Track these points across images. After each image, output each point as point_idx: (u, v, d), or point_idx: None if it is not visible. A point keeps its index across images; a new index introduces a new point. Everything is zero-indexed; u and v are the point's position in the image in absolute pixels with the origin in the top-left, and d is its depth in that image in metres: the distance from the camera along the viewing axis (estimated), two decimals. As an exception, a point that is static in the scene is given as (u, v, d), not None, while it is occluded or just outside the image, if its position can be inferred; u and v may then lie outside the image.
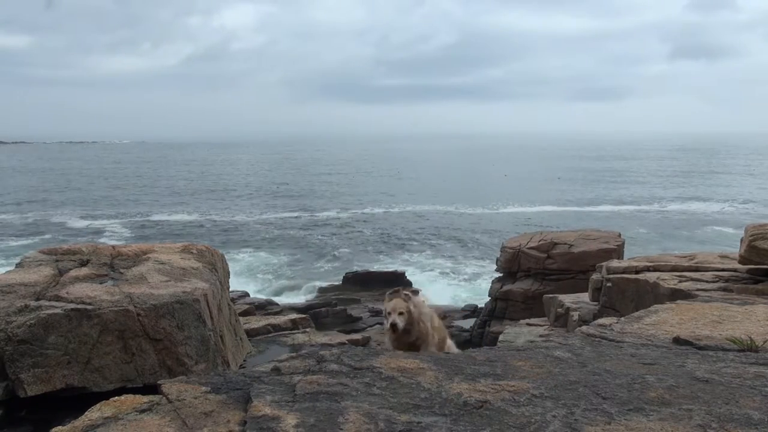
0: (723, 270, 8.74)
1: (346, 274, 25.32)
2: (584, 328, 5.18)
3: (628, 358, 3.61)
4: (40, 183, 72.50)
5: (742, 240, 8.20)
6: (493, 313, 16.97)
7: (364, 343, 10.59)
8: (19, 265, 7.36)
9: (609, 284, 9.33)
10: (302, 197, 60.90)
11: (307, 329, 10.59)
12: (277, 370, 3.28)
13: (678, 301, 6.04)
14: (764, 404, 2.79)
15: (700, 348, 4.10)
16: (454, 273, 28.86)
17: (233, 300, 10.59)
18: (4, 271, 7.45)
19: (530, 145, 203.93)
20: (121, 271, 7.21)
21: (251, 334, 9.63)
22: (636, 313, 5.50)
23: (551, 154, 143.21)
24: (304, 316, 11.71)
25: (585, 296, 11.04)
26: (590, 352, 3.76)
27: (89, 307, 5.95)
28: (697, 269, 9.02)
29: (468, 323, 18.18)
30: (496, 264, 18.44)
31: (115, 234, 39.50)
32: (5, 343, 5.60)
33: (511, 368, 3.32)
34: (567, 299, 11.35)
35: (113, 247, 8.29)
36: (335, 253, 34.36)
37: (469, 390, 2.95)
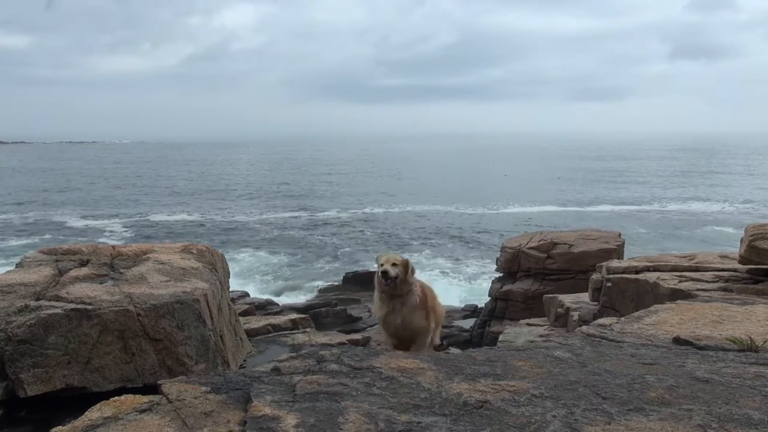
0: (723, 270, 8.74)
1: (346, 274, 25.32)
2: (584, 328, 5.18)
3: (628, 358, 3.61)
4: (40, 183, 72.50)
5: (742, 240, 8.20)
6: (493, 313, 16.96)
7: (364, 343, 10.58)
8: (19, 265, 7.36)
9: (609, 284, 9.34)
10: (302, 197, 60.89)
11: (307, 329, 10.58)
12: (277, 370, 3.28)
13: (678, 301, 6.04)
14: (764, 404, 2.79)
15: (700, 348, 4.10)
16: (454, 273, 28.85)
17: (233, 300, 10.59)
18: (4, 271, 7.45)
19: (530, 145, 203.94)
20: (121, 271, 7.20)
21: (251, 334, 9.62)
22: (636, 313, 5.50)
23: (551, 154, 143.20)
24: (304, 316, 11.70)
25: (585, 296, 11.05)
26: (590, 352, 3.76)
27: (89, 307, 5.95)
28: (697, 269, 9.02)
29: (468, 323, 18.17)
30: (496, 264, 18.43)
31: (115, 234, 39.49)
32: (5, 343, 5.60)
33: (511, 368, 3.32)
34: (567, 299, 11.35)
35: (113, 247, 8.28)
36: (335, 253, 34.36)
37: (469, 390, 2.95)
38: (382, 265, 5.30)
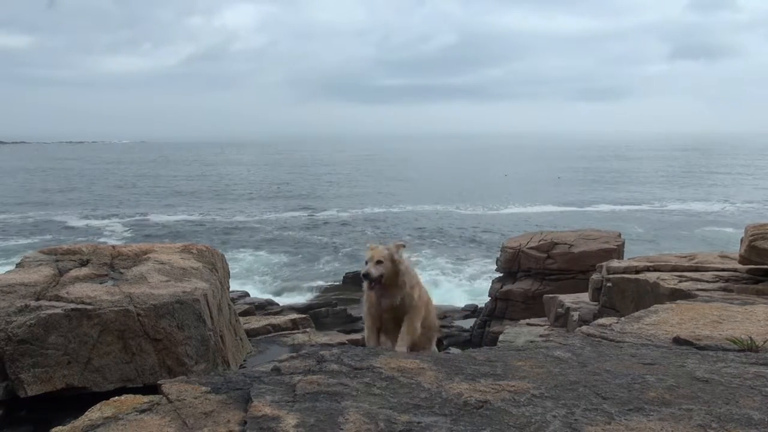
0: (723, 270, 8.74)
1: (346, 274, 25.31)
2: (584, 328, 5.18)
3: (628, 358, 3.61)
4: (41, 183, 72.50)
5: (742, 240, 8.21)
6: (493, 313, 16.97)
7: (364, 343, 10.58)
8: (19, 265, 7.36)
9: (609, 284, 9.34)
10: (302, 197, 60.88)
11: (308, 329, 10.59)
12: (277, 370, 3.28)
13: (678, 301, 6.04)
14: (764, 404, 2.79)
15: (700, 348, 4.10)
16: (454, 273, 28.84)
17: (233, 300, 10.59)
18: (4, 271, 7.45)
19: (530, 145, 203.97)
20: (121, 271, 7.21)
21: (251, 334, 9.62)
22: (636, 313, 5.50)
23: (551, 154, 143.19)
24: (304, 316, 11.71)
25: (585, 296, 11.05)
26: (590, 352, 3.76)
27: (89, 307, 5.95)
28: (697, 269, 9.02)
29: (468, 323, 18.18)
30: (496, 264, 18.44)
31: (115, 234, 39.49)
32: (5, 343, 5.60)
33: (512, 368, 3.32)
34: (567, 299, 11.36)
35: (113, 247, 8.29)
36: (335, 253, 34.34)
37: (470, 390, 2.95)
38: (366, 263, 4.73)
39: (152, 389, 3.12)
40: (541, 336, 9.88)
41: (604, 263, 10.45)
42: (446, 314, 18.98)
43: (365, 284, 4.75)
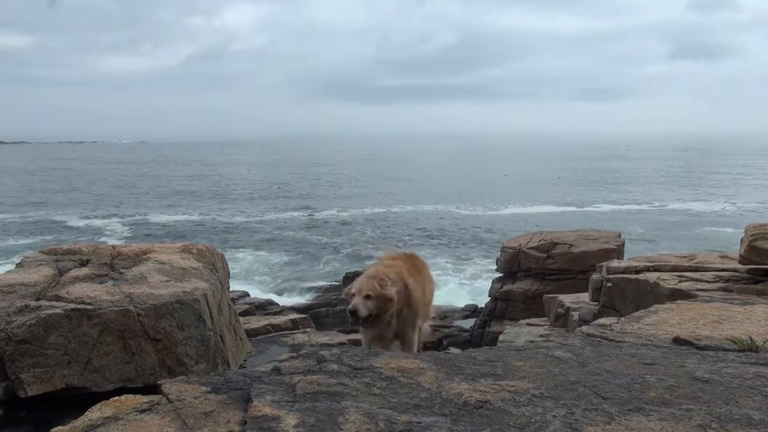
0: (723, 270, 8.74)
1: (347, 274, 25.30)
2: (584, 328, 5.18)
3: (628, 358, 3.61)
4: (41, 183, 72.50)
5: (742, 240, 8.21)
6: (493, 313, 16.97)
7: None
8: (19, 265, 7.36)
9: (609, 284, 9.34)
10: (302, 197, 60.87)
11: (308, 329, 10.59)
12: (277, 370, 3.28)
13: (678, 301, 6.04)
14: (764, 404, 2.79)
15: (700, 348, 4.10)
16: (454, 273, 28.84)
17: (233, 300, 10.58)
18: (4, 271, 7.45)
19: (530, 145, 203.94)
20: (121, 271, 7.21)
21: (251, 334, 9.62)
22: (636, 313, 5.50)
23: (551, 154, 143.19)
24: (304, 316, 11.71)
25: (585, 296, 11.05)
26: (590, 352, 3.76)
27: (89, 307, 5.95)
28: (697, 269, 9.02)
29: (468, 323, 18.17)
30: (496, 264, 18.43)
31: (115, 234, 39.49)
32: (5, 343, 5.61)
33: (512, 368, 3.32)
34: (567, 299, 11.35)
35: (113, 246, 8.29)
36: (335, 253, 34.34)
37: (470, 390, 2.95)
38: (353, 294, 4.35)
39: (152, 389, 3.12)
40: (541, 336, 9.88)
41: (604, 263, 10.45)
42: (446, 314, 18.98)
43: (351, 320, 4.45)
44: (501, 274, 17.81)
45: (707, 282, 8.24)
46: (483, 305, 18.45)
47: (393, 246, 34.87)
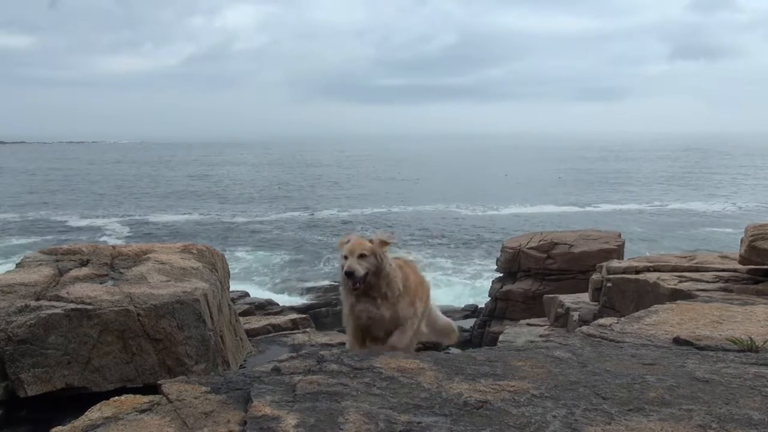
0: (723, 270, 8.74)
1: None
2: (584, 328, 5.18)
3: (628, 359, 3.61)
4: (41, 183, 72.52)
5: (742, 240, 8.21)
6: (493, 313, 16.97)
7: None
8: (19, 265, 7.36)
9: (609, 284, 9.34)
10: (302, 197, 60.89)
11: (308, 329, 10.58)
12: (277, 370, 3.28)
13: (678, 302, 6.04)
14: (764, 404, 2.79)
15: (700, 348, 4.10)
16: (454, 273, 28.85)
17: (233, 300, 10.58)
18: (4, 271, 7.45)
19: (530, 145, 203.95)
20: (121, 271, 7.20)
21: (251, 334, 9.62)
22: (636, 314, 5.50)
23: (551, 154, 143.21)
24: (304, 316, 11.71)
25: (585, 296, 11.06)
26: (590, 353, 3.76)
27: (89, 307, 5.95)
28: (697, 269, 9.03)
29: (468, 323, 18.17)
30: (496, 264, 18.44)
31: (115, 233, 39.51)
32: (5, 343, 5.60)
33: (512, 368, 3.32)
34: (567, 299, 11.36)
35: (113, 246, 8.29)
36: (336, 253, 34.31)
37: (470, 390, 2.95)
38: (345, 257, 4.08)
39: (152, 389, 3.12)
40: (541, 336, 9.88)
41: (604, 263, 10.45)
42: (446, 314, 18.99)
43: (349, 284, 4.03)
44: (501, 274, 17.82)
45: (707, 282, 8.24)
46: (483, 305, 18.46)
47: (393, 247, 34.84)
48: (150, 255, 7.76)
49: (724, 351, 3.96)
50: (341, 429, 2.51)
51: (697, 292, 7.52)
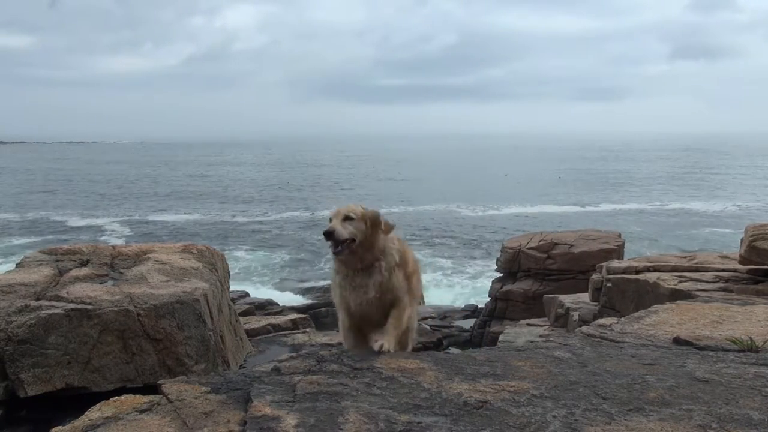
0: (723, 270, 8.74)
1: (347, 273, 25.25)
2: (584, 328, 5.18)
3: (628, 359, 3.61)
4: (41, 182, 72.53)
5: (742, 240, 8.21)
6: (493, 313, 16.96)
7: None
8: (19, 265, 7.37)
9: (609, 284, 9.34)
10: (302, 197, 60.90)
11: (308, 329, 10.60)
12: (277, 370, 3.28)
13: (678, 302, 6.04)
14: (764, 405, 2.79)
15: (701, 348, 4.10)
16: (454, 273, 28.85)
17: (233, 300, 10.59)
18: (4, 271, 7.45)
19: (530, 145, 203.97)
20: (121, 271, 7.21)
21: (251, 334, 9.63)
22: (636, 314, 5.50)
23: (551, 154, 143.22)
24: (304, 316, 11.72)
25: (585, 296, 11.06)
26: (590, 353, 3.76)
27: (89, 307, 5.95)
28: (697, 269, 9.03)
29: (468, 323, 18.16)
30: (496, 264, 18.42)
31: (115, 233, 39.51)
32: (5, 343, 5.61)
33: (512, 368, 3.32)
34: (567, 299, 11.36)
35: (113, 247, 8.30)
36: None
37: (470, 390, 2.95)
38: (330, 220, 3.62)
39: (152, 389, 3.12)
40: (541, 336, 9.88)
41: (604, 263, 10.46)
42: (446, 314, 18.97)
43: (330, 247, 3.54)
44: (501, 274, 17.80)
45: (707, 282, 8.24)
46: (483, 305, 18.44)
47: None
48: (150, 255, 7.77)
49: (724, 351, 3.96)
50: (341, 429, 2.51)
51: (697, 292, 7.52)
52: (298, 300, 22.30)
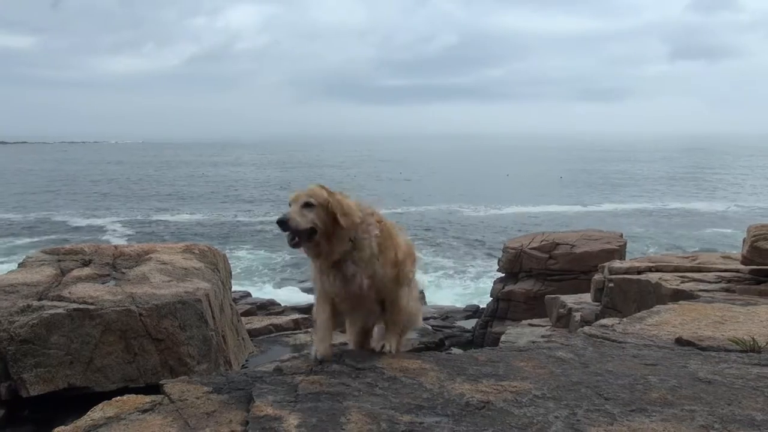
0: (725, 270, 8.73)
1: (348, 273, 25.24)
2: (586, 328, 5.17)
3: (631, 359, 3.61)
4: (43, 183, 72.63)
5: (744, 240, 8.20)
6: (495, 313, 16.95)
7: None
8: (21, 265, 7.38)
9: (611, 285, 9.33)
10: (304, 197, 60.83)
11: (309, 329, 10.58)
12: (279, 370, 3.29)
13: (680, 302, 6.03)
14: (767, 405, 2.79)
15: (703, 349, 4.09)
16: (456, 273, 28.84)
17: (235, 300, 10.60)
18: (6, 271, 7.47)
19: (531, 146, 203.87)
20: (123, 271, 7.22)
21: (253, 334, 9.63)
22: (638, 314, 5.49)
23: (553, 154, 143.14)
24: (306, 316, 11.70)
25: (587, 297, 11.05)
26: (592, 353, 3.75)
27: (91, 307, 5.96)
28: (699, 270, 9.02)
29: (470, 324, 18.16)
30: (498, 264, 18.42)
31: (117, 233, 39.55)
32: (8, 343, 5.61)
33: (513, 369, 3.32)
34: (569, 300, 11.35)
35: (115, 247, 8.31)
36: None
37: (472, 390, 2.95)
38: (290, 205, 3.11)
39: (154, 389, 3.12)
40: (543, 336, 9.87)
41: (606, 264, 10.45)
42: (448, 314, 18.97)
43: (287, 239, 3.06)
44: (503, 275, 17.80)
45: (709, 282, 8.23)
46: (485, 306, 18.44)
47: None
48: (152, 255, 7.77)
49: (726, 351, 3.96)
50: (343, 429, 2.51)
51: (700, 293, 7.51)
52: (300, 300, 22.30)
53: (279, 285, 27.30)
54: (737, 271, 8.53)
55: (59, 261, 7.41)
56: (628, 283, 9.00)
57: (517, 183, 71.67)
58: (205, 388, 2.99)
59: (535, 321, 12.73)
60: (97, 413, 2.74)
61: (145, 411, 2.75)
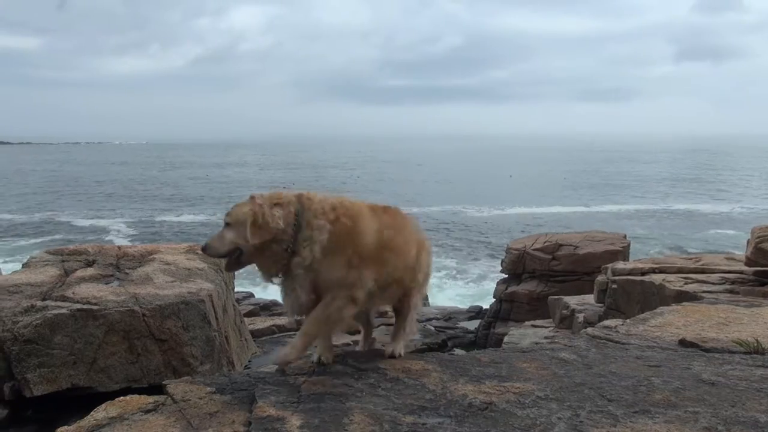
0: (729, 272, 8.71)
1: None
2: (589, 329, 5.16)
3: (634, 360, 3.60)
4: (47, 183, 72.83)
5: (748, 242, 8.17)
6: (497, 314, 16.93)
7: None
8: (25, 265, 7.40)
9: (614, 286, 9.32)
10: (307, 198, 60.89)
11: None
12: (281, 371, 3.29)
13: (684, 303, 6.02)
14: (771, 407, 2.78)
15: (706, 350, 4.08)
16: (459, 274, 28.82)
17: (238, 301, 10.61)
18: (10, 271, 7.49)
19: (535, 146, 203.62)
20: (127, 271, 7.23)
21: (256, 334, 9.64)
22: (641, 315, 5.48)
23: (556, 155, 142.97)
24: (308, 316, 11.70)
25: (590, 298, 11.03)
26: (595, 354, 3.75)
27: (95, 307, 5.97)
28: (703, 271, 8.99)
29: (473, 325, 18.13)
30: (501, 265, 18.40)
31: (120, 234, 39.64)
32: (12, 343, 5.63)
33: (516, 370, 3.32)
34: (572, 301, 11.33)
35: (119, 247, 8.32)
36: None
37: (474, 391, 2.95)
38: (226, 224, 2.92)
39: (157, 389, 3.13)
40: (546, 338, 9.86)
41: (609, 265, 10.43)
42: (451, 315, 18.95)
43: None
44: (506, 276, 17.77)
45: (713, 284, 8.21)
46: (488, 306, 18.42)
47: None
48: (155, 255, 7.79)
49: (730, 353, 3.95)
50: (346, 430, 2.51)
51: (703, 294, 7.49)
52: (303, 300, 22.31)
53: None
54: (741, 272, 8.50)
55: (63, 261, 7.42)
56: (632, 284, 8.98)
57: (520, 184, 71.60)
58: (208, 389, 2.99)
59: (538, 322, 12.71)
60: (100, 413, 2.74)
61: (148, 411, 2.76)
